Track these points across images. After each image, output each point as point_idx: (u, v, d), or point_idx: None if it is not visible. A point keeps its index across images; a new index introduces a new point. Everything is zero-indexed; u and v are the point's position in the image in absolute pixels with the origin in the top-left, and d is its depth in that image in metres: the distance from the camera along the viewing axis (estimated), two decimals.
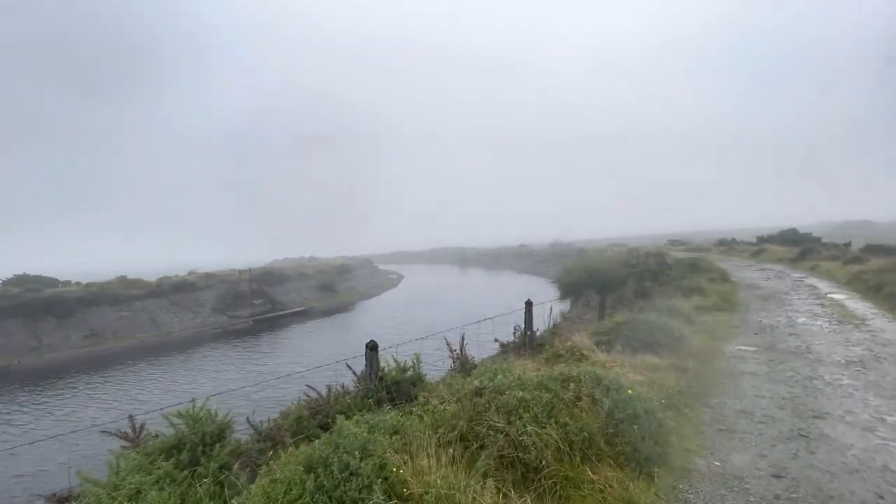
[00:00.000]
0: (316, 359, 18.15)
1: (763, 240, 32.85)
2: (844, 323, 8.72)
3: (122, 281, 34.77)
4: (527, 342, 8.22)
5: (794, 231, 31.01)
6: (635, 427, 3.59)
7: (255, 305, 38.08)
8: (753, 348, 7.22)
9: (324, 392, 5.28)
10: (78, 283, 36.00)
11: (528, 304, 8.19)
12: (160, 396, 14.38)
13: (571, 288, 30.24)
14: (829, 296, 11.99)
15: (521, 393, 3.70)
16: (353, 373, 5.51)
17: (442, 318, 29.02)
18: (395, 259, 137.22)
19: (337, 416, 3.78)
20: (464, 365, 10.70)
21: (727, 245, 38.82)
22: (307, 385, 5.17)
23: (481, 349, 14.33)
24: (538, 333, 14.82)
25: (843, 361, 6.27)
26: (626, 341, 6.60)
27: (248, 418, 4.55)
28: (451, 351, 10.69)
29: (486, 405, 3.84)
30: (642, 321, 6.86)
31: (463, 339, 10.85)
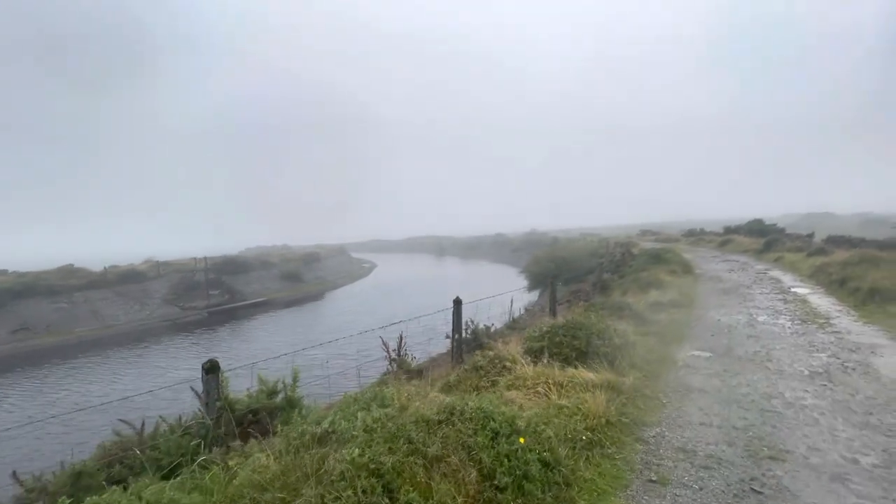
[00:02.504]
0: (245, 358, 16.69)
1: (730, 230, 32.79)
2: (808, 322, 7.92)
3: (62, 270, 32.20)
4: (454, 348, 7.09)
5: (759, 222, 30.99)
6: (519, 501, 2.48)
7: (211, 296, 36.02)
8: (708, 354, 6.28)
9: (157, 427, 4.01)
10: (16, 273, 33.25)
11: (457, 304, 7.04)
12: (19, 415, 12.32)
13: (539, 278, 29.46)
14: (792, 290, 11.31)
15: (355, 452, 2.53)
16: (199, 397, 4.24)
17: (406, 308, 27.83)
18: (372, 248, 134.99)
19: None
20: (401, 366, 9.58)
21: (696, 235, 38.81)
22: (119, 419, 3.88)
23: (431, 344, 13.17)
24: (492, 330, 13.80)
25: (806, 373, 5.37)
26: (560, 349, 5.53)
27: (13, 472, 3.28)
28: (388, 351, 9.56)
29: (318, 465, 2.66)
30: (580, 325, 5.82)
31: (401, 337, 9.71)
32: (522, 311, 19.72)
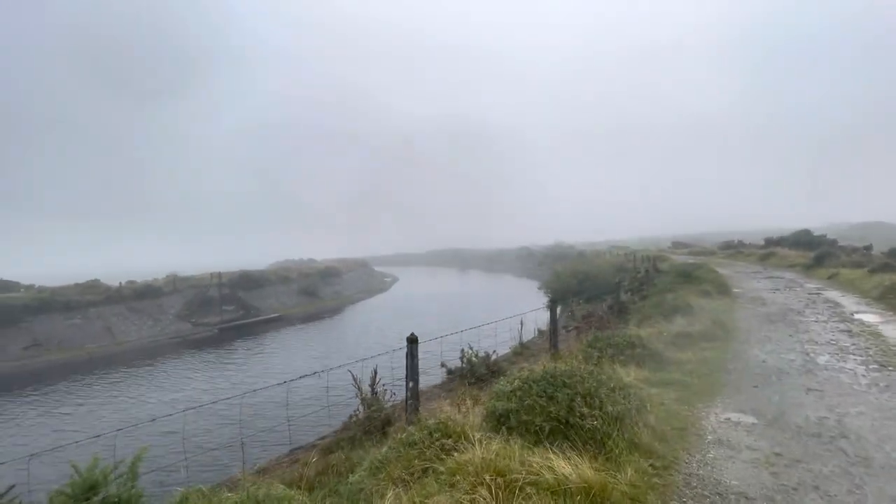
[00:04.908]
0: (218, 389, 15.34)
1: (772, 242, 29.80)
2: (888, 367, 5.93)
3: (80, 285, 32.52)
4: (408, 401, 5.53)
5: (807, 232, 27.97)
6: None
7: (225, 312, 35.66)
8: (751, 420, 4.48)
9: None
10: (39, 288, 33.92)
11: (411, 343, 5.49)
12: None
13: (559, 294, 27.49)
14: (856, 317, 9.17)
15: None
16: None
17: (418, 327, 26.22)
18: (395, 261, 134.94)
19: None
20: (370, 407, 8.22)
21: (733, 248, 35.79)
22: None
23: (431, 373, 11.58)
24: (493, 358, 12.19)
25: None
26: (531, 415, 3.90)
27: None
28: (360, 390, 8.24)
29: None
30: (563, 379, 4.18)
31: (375, 373, 8.34)
32: (535, 333, 17.86)
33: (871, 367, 5.98)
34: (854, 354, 6.57)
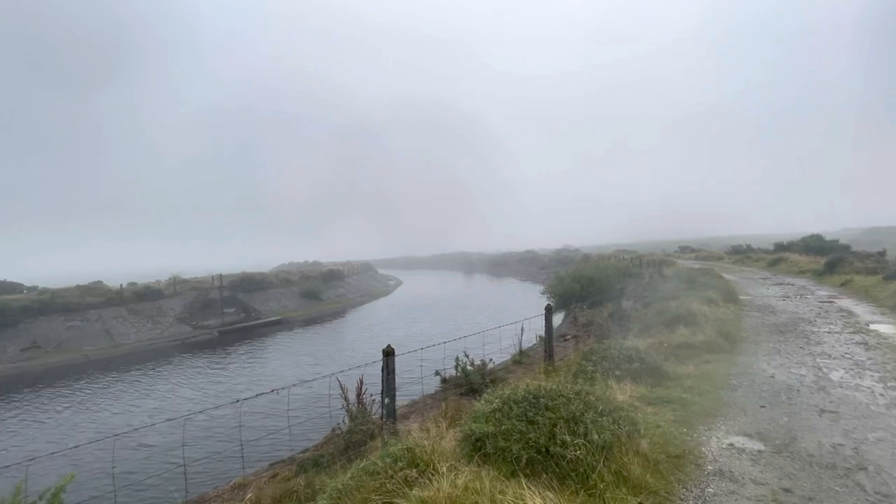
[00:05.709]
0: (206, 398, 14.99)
1: (782, 247, 29.09)
2: None
3: (81, 287, 32.49)
4: (384, 417, 5.11)
5: (818, 238, 27.23)
6: None
7: (225, 314, 35.47)
8: (757, 446, 4.03)
9: None
10: (41, 289, 33.93)
11: (387, 355, 5.08)
12: None
13: (562, 300, 26.95)
14: (872, 327, 8.65)
15: None
16: None
17: (417, 333, 25.80)
18: (401, 264, 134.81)
19: None
20: (354, 419, 7.89)
21: (742, 253, 35.07)
22: None
23: (428, 381, 11.16)
24: (491, 366, 11.86)
25: None
26: (508, 441, 3.48)
27: None
28: (346, 401, 7.92)
29: None
30: (546, 400, 3.76)
31: (361, 383, 8.00)
32: (537, 340, 17.43)
33: (889, 384, 5.50)
34: (871, 370, 6.08)
